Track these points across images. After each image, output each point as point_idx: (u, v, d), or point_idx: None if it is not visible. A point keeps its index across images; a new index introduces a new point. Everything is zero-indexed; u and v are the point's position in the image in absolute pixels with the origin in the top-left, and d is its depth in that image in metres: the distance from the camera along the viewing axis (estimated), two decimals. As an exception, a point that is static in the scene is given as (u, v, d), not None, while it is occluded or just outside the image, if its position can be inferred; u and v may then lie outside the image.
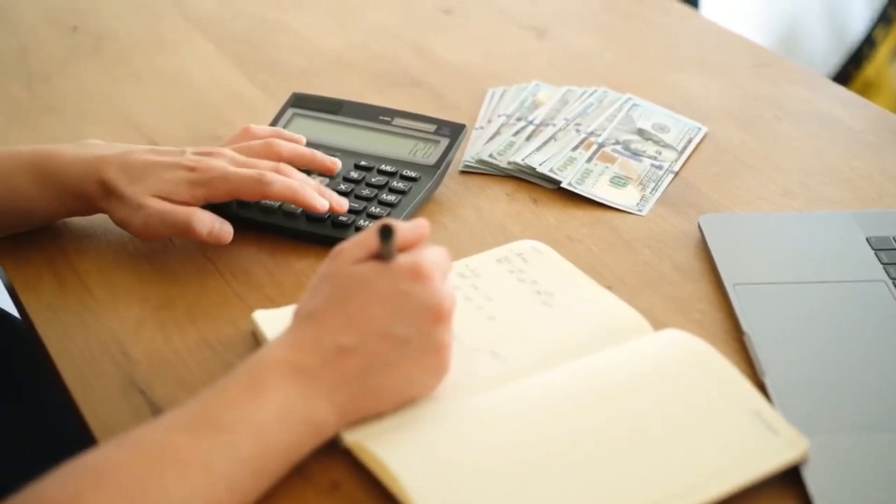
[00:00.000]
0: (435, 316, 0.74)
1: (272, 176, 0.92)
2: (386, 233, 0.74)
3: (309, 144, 1.04)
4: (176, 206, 0.91)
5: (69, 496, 0.64)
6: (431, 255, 0.76)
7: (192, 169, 0.91)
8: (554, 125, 1.12)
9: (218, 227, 0.92)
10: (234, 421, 0.69)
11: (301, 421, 0.71)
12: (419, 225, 0.78)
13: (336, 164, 0.99)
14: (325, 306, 0.74)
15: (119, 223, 0.93)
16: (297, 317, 0.76)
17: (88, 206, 0.95)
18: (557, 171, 1.04)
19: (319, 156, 0.98)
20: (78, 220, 0.99)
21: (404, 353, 0.74)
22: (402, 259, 0.75)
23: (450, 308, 0.75)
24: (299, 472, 0.73)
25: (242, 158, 0.94)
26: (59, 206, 0.95)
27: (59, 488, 0.64)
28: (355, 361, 0.73)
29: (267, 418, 0.70)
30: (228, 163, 0.93)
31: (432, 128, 1.05)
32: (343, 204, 0.95)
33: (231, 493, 0.68)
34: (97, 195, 0.93)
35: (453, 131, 1.05)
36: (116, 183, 0.91)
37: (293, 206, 0.96)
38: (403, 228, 0.77)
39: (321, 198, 0.93)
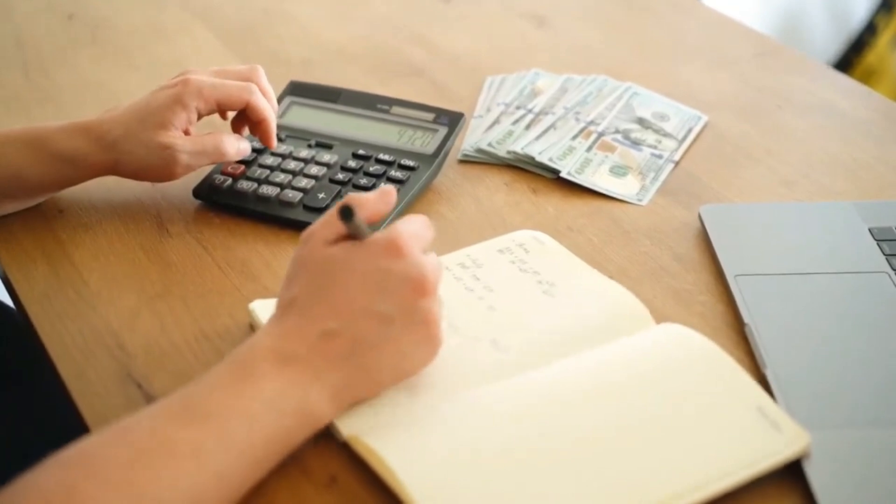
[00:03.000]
0: (418, 289, 0.73)
1: (255, 87, 0.96)
2: (346, 213, 0.73)
3: (306, 133, 1.04)
4: (200, 136, 0.95)
5: (63, 488, 0.63)
6: (408, 228, 0.75)
7: (174, 86, 0.95)
8: (553, 114, 1.11)
9: (240, 144, 0.98)
10: (225, 410, 0.69)
11: (293, 409, 0.70)
12: (384, 192, 0.78)
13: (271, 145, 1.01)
14: (305, 293, 0.74)
15: (134, 172, 0.96)
16: (280, 306, 0.75)
17: (82, 171, 0.95)
18: (556, 161, 1.04)
19: (273, 128, 0.99)
20: (73, 210, 0.98)
21: (390, 330, 0.73)
22: (377, 236, 0.75)
23: (434, 279, 0.74)
24: (297, 466, 0.72)
25: (218, 73, 0.98)
26: (51, 173, 0.95)
27: (53, 480, 0.64)
28: (341, 344, 0.72)
29: (258, 407, 0.69)
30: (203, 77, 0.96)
31: (430, 116, 1.05)
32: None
33: (221, 481, 0.67)
34: (94, 155, 0.94)
35: (451, 120, 1.04)
36: (116, 133, 0.94)
37: (290, 195, 0.97)
38: (367, 201, 0.76)
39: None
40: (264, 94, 0.97)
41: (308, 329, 0.72)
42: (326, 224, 0.76)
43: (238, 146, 0.98)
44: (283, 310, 0.75)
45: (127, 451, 0.66)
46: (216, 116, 0.99)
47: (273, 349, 0.72)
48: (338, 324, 0.72)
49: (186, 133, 0.95)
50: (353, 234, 0.75)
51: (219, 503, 0.67)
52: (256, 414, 0.69)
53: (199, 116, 0.96)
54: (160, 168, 0.95)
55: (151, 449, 0.66)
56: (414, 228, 0.76)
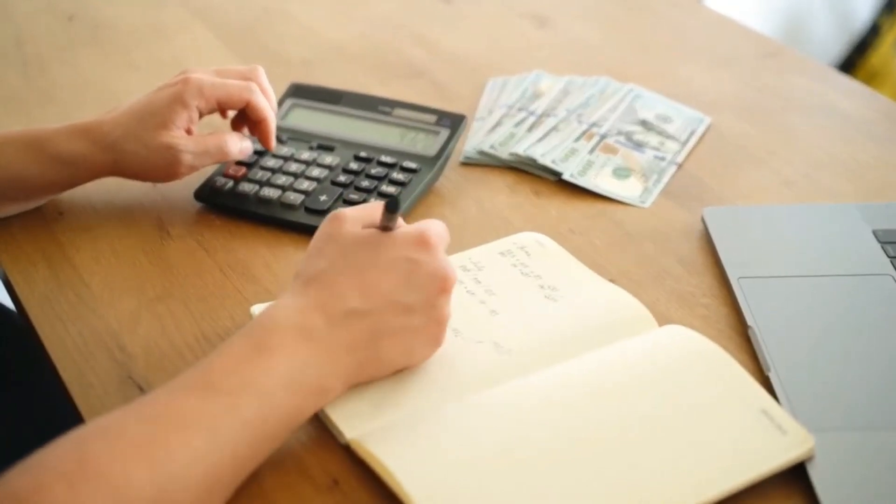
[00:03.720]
0: (441, 286, 0.75)
1: (256, 87, 0.96)
2: (394, 205, 0.74)
3: (308, 135, 1.04)
4: (203, 136, 0.95)
5: (76, 458, 0.64)
6: (435, 226, 0.77)
7: (174, 84, 0.94)
8: (555, 116, 1.11)
9: (242, 144, 0.98)
10: (240, 384, 0.69)
11: (307, 386, 0.71)
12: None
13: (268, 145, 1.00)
14: (334, 269, 0.74)
15: (136, 173, 0.95)
16: (301, 279, 0.75)
17: (82, 173, 0.95)
18: (559, 163, 1.03)
19: (272, 128, 0.98)
20: (74, 213, 0.98)
21: (408, 321, 0.74)
22: (407, 228, 0.76)
23: (454, 279, 0.76)
24: (298, 469, 0.72)
25: (218, 73, 0.97)
26: (51, 175, 0.94)
27: (67, 451, 0.64)
28: (364, 326, 0.73)
29: (273, 383, 0.69)
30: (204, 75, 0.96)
31: (433, 119, 1.04)
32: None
33: (234, 457, 0.68)
34: (94, 157, 0.94)
35: (453, 122, 1.04)
36: (116, 134, 0.93)
37: (292, 197, 0.97)
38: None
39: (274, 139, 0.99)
40: (264, 93, 0.97)
41: (333, 304, 0.73)
42: (360, 210, 0.78)
43: (241, 145, 0.97)
44: (306, 282, 0.75)
45: (141, 421, 0.67)
46: (215, 116, 0.99)
47: (293, 324, 0.72)
48: (364, 305, 0.73)
49: (189, 132, 0.94)
50: (385, 227, 0.76)
51: (231, 478, 0.68)
52: (271, 390, 0.69)
53: (200, 115, 0.95)
54: (163, 168, 0.94)
55: (165, 420, 0.67)
56: (439, 228, 0.78)
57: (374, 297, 0.73)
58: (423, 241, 0.75)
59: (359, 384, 0.75)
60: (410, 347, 0.76)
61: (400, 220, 0.78)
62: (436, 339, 0.77)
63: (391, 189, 0.97)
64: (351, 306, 0.73)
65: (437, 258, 0.75)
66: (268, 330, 0.71)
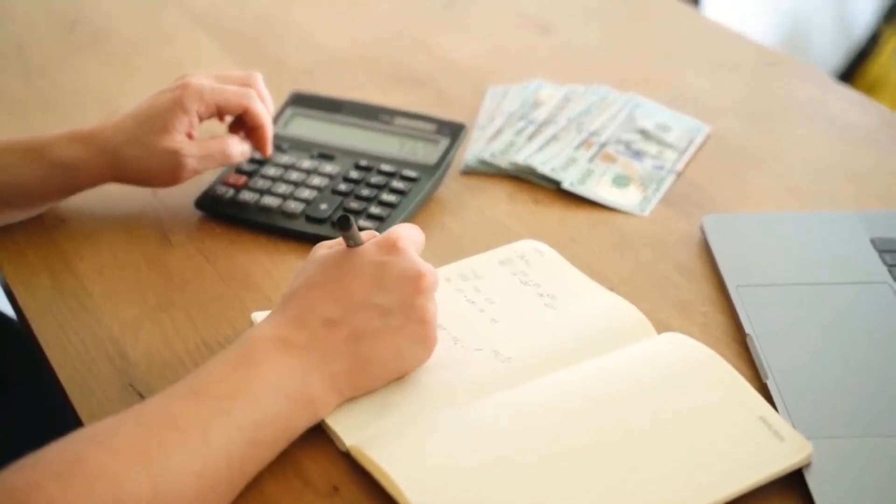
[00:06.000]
0: (415, 286, 0.76)
1: (254, 93, 0.97)
2: (343, 222, 0.76)
3: (308, 143, 1.04)
4: (206, 140, 0.96)
5: (70, 457, 0.64)
6: (402, 230, 0.78)
7: (174, 89, 0.95)
8: (556, 125, 1.11)
9: (243, 146, 0.98)
10: (229, 390, 0.70)
11: (294, 394, 0.72)
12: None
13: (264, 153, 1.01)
14: (307, 285, 0.76)
15: (138, 178, 0.96)
16: (282, 300, 0.77)
17: (83, 179, 0.95)
18: (558, 172, 1.04)
19: (269, 135, 1.00)
20: (75, 221, 0.98)
21: (388, 322, 0.75)
22: (375, 237, 0.78)
23: (431, 278, 0.77)
24: (299, 476, 0.72)
25: (217, 78, 0.98)
26: (51, 181, 0.94)
27: (61, 451, 0.65)
28: (342, 333, 0.74)
29: (261, 388, 0.71)
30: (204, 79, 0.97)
31: (433, 127, 1.05)
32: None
33: (229, 459, 0.68)
34: (95, 162, 0.94)
35: (453, 131, 1.04)
36: (118, 139, 0.94)
37: (292, 206, 0.97)
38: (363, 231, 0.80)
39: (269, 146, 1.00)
40: (262, 100, 0.98)
41: (310, 317, 0.74)
42: (334, 240, 0.81)
43: (241, 148, 0.98)
44: (285, 301, 0.77)
45: (134, 425, 0.68)
46: (214, 121, 0.99)
47: (274, 337, 0.73)
48: (339, 313, 0.74)
49: (190, 137, 0.95)
50: (349, 245, 0.78)
51: (227, 483, 0.69)
52: (260, 395, 0.71)
53: (200, 120, 0.96)
54: (166, 173, 0.95)
55: (158, 424, 0.68)
56: (408, 232, 0.79)
57: (347, 304, 0.75)
58: (390, 245, 0.77)
59: (357, 396, 0.75)
60: (398, 350, 0.76)
61: (374, 233, 0.80)
62: (425, 341, 0.77)
63: (391, 198, 0.98)
64: (326, 316, 0.74)
65: (406, 259, 0.76)
66: (252, 343, 0.73)
